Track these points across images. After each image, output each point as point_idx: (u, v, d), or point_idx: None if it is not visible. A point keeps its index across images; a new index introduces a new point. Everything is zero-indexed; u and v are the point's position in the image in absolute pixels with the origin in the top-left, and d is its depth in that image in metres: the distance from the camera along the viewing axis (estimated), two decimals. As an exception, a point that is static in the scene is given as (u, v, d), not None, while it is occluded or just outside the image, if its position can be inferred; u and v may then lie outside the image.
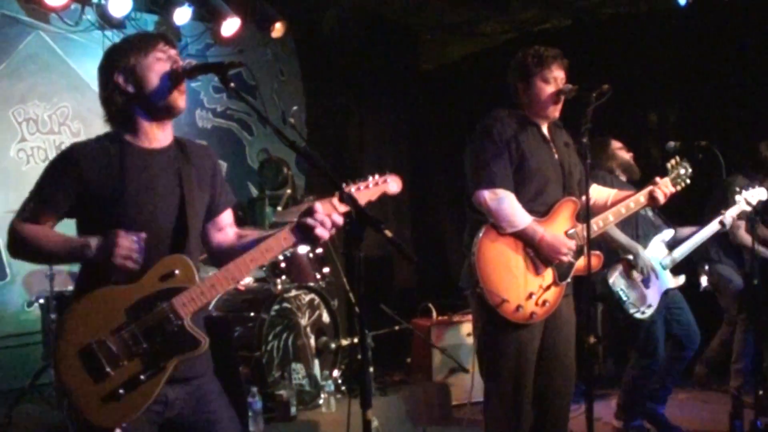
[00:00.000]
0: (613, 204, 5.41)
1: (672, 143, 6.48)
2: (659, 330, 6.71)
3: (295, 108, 9.20)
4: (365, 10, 10.51)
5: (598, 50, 9.61)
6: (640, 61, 9.46)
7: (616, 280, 6.54)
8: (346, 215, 3.49)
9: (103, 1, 8.26)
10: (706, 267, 7.76)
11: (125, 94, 3.56)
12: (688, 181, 5.64)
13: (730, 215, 6.67)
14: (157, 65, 3.55)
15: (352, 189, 3.59)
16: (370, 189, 3.68)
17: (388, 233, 3.20)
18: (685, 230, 6.90)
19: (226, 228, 3.88)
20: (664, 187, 5.40)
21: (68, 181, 3.48)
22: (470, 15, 10.56)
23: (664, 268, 6.69)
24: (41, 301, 7.41)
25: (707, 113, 8.99)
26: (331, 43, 10.45)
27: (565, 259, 5.07)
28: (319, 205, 3.52)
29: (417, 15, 10.77)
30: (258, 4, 9.41)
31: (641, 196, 5.39)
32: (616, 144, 7.02)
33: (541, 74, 5.14)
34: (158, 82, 3.53)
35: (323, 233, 3.52)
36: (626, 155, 6.98)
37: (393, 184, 3.77)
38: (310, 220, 3.52)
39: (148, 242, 3.43)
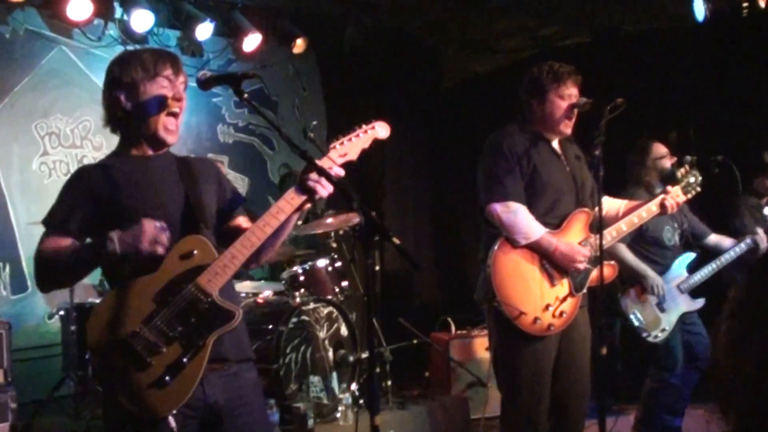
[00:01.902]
0: (625, 214, 5.44)
1: (688, 157, 6.48)
2: (678, 345, 6.70)
3: (314, 123, 9.22)
4: (387, 27, 10.55)
5: (617, 67, 9.61)
6: (660, 77, 9.45)
7: (628, 304, 6.54)
8: (356, 226, 3.54)
9: (125, 17, 8.35)
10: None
11: (124, 111, 3.64)
12: (699, 189, 5.68)
13: (763, 234, 6.65)
14: (160, 92, 3.62)
15: (344, 141, 3.75)
16: (360, 138, 3.84)
17: (396, 240, 3.24)
18: (727, 241, 6.87)
19: (242, 224, 3.89)
20: (675, 196, 5.43)
21: (83, 201, 3.58)
22: (492, 32, 10.59)
23: (681, 291, 6.68)
24: (62, 313, 7.48)
25: (727, 130, 8.97)
26: (352, 59, 10.48)
27: (581, 266, 5.10)
28: (316, 162, 3.57)
29: (439, 32, 10.80)
30: (280, 20, 9.47)
31: (653, 206, 5.42)
32: (658, 151, 6.91)
33: (557, 91, 5.18)
34: (156, 113, 3.61)
35: (326, 189, 3.58)
36: (668, 164, 6.87)
37: (381, 130, 3.90)
38: (311, 175, 3.57)
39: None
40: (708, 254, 6.89)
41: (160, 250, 3.41)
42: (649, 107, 9.00)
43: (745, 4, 8.38)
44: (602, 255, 4.91)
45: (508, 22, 10.23)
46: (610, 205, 5.53)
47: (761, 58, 8.78)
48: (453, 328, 8.49)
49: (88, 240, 3.58)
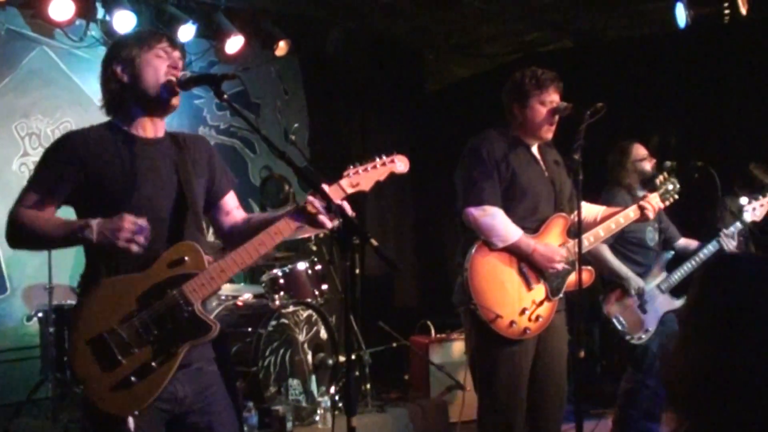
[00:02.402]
0: (603, 219, 5.46)
1: (668, 163, 6.49)
2: (656, 347, 6.70)
3: (296, 125, 9.24)
4: (370, 30, 10.55)
5: (599, 72, 9.65)
6: (642, 83, 9.49)
7: (610, 308, 6.55)
8: (334, 228, 3.52)
9: (107, 18, 8.31)
10: None
11: (120, 83, 3.63)
12: (677, 196, 5.73)
13: (728, 236, 6.66)
14: (156, 62, 3.62)
15: (360, 170, 3.70)
16: (377, 169, 3.77)
17: (374, 242, 3.23)
18: (693, 243, 6.90)
19: (232, 211, 3.95)
20: (653, 202, 5.46)
21: (67, 167, 3.54)
22: (475, 36, 10.61)
23: (662, 291, 6.69)
24: (40, 315, 7.44)
25: (708, 135, 9.00)
26: (335, 62, 10.48)
27: (559, 266, 5.13)
28: (325, 188, 3.55)
29: (422, 35, 10.81)
30: (262, 22, 9.46)
31: (631, 212, 5.45)
32: (638, 153, 6.88)
33: (539, 97, 5.20)
34: (153, 78, 3.59)
35: (326, 220, 3.54)
36: (648, 166, 6.85)
37: (400, 164, 3.83)
38: (316, 203, 3.54)
39: (151, 226, 3.47)
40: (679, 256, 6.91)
41: (135, 248, 3.39)
42: (630, 113, 9.02)
43: (726, 11, 8.41)
44: (580, 259, 4.92)
45: (492, 27, 10.25)
46: (588, 210, 5.53)
47: (742, 64, 8.82)
48: (433, 331, 8.50)
49: (68, 219, 3.55)
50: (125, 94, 3.64)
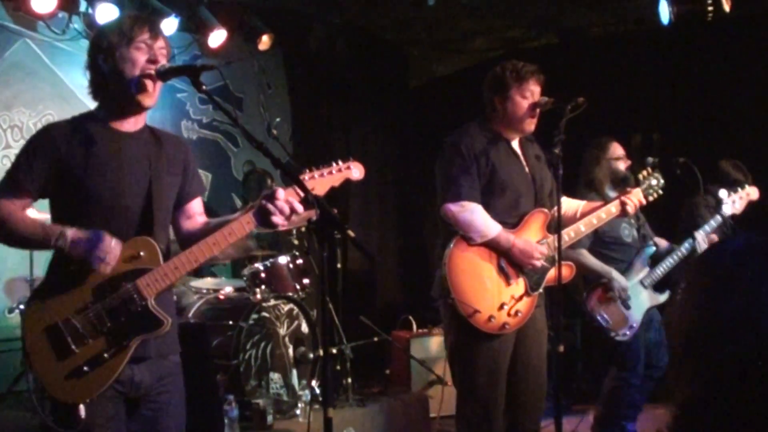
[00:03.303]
0: (583, 215, 5.45)
1: (651, 159, 6.50)
2: (640, 344, 6.72)
3: (278, 119, 9.23)
4: (354, 25, 10.56)
5: (583, 69, 9.68)
6: (625, 79, 9.52)
7: (594, 305, 6.56)
8: (311, 220, 3.53)
9: (90, 10, 8.26)
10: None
11: (102, 74, 3.67)
12: (660, 192, 5.72)
13: (702, 235, 6.67)
14: (134, 55, 3.63)
15: (315, 175, 3.70)
16: (333, 175, 3.77)
17: (350, 233, 3.24)
18: (663, 243, 6.91)
19: (195, 216, 3.98)
20: (634, 198, 5.44)
21: (45, 159, 3.58)
22: (458, 32, 10.62)
23: (645, 286, 6.70)
24: (21, 307, 7.40)
25: (691, 132, 9.04)
26: (318, 57, 10.48)
27: (538, 263, 5.13)
28: (281, 191, 3.58)
29: (405, 31, 10.82)
30: (245, 16, 9.45)
31: (612, 207, 5.43)
32: (615, 151, 6.87)
33: (519, 89, 5.19)
34: (131, 73, 3.61)
35: (281, 220, 3.57)
36: (622, 166, 6.87)
37: (356, 171, 3.83)
38: (270, 206, 3.57)
39: (115, 222, 3.57)
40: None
41: (105, 269, 3.48)
42: (614, 109, 9.06)
43: (710, 8, 8.43)
44: (560, 254, 4.93)
45: (475, 22, 10.26)
46: (569, 205, 5.54)
47: (726, 61, 8.86)
48: (414, 326, 8.52)
49: (45, 224, 3.61)
50: (108, 84, 3.68)
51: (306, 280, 7.60)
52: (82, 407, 3.44)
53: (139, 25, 3.67)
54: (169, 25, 8.62)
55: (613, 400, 6.81)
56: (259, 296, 7.16)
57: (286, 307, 7.21)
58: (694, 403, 1.69)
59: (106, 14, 8.06)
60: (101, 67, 3.65)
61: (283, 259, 7.51)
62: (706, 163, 7.01)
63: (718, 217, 6.61)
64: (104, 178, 3.59)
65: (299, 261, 7.64)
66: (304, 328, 7.29)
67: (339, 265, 8.05)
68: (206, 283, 7.84)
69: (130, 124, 3.74)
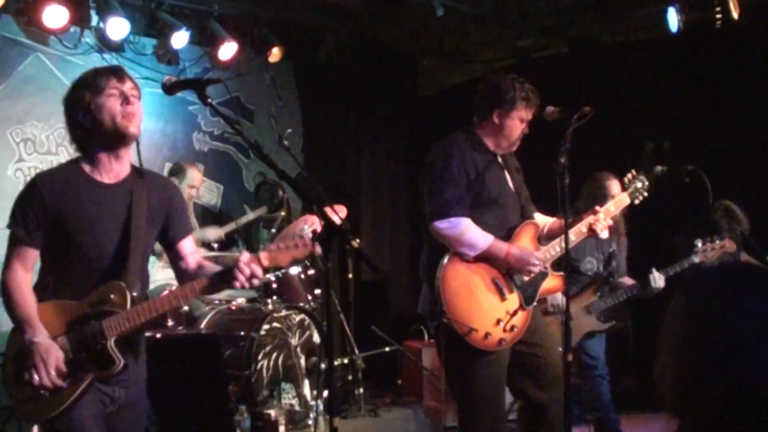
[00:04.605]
0: (551, 231, 5.39)
1: (659, 167, 6.50)
2: (590, 342, 6.85)
3: (289, 131, 9.26)
4: (364, 36, 10.58)
5: (593, 78, 9.68)
6: (635, 88, 9.52)
7: None
8: (315, 231, 3.64)
9: (101, 25, 8.32)
10: None
11: (83, 129, 3.88)
12: (646, 194, 5.71)
13: (657, 275, 6.70)
14: (109, 102, 3.83)
15: (280, 245, 3.86)
16: (298, 248, 3.84)
17: (355, 244, 3.27)
18: (628, 282, 6.96)
19: (187, 256, 4.19)
20: (602, 219, 5.34)
21: (34, 210, 3.83)
22: (468, 42, 10.63)
23: (590, 313, 6.79)
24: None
25: (701, 140, 9.03)
26: (329, 68, 10.51)
27: (536, 269, 5.09)
28: (245, 254, 3.82)
29: (416, 42, 10.83)
30: (256, 29, 9.48)
31: (582, 226, 5.34)
32: (611, 190, 6.80)
33: (525, 110, 5.14)
34: (109, 118, 3.81)
35: (243, 282, 3.79)
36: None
37: (318, 248, 3.78)
38: (234, 270, 3.79)
39: (94, 265, 3.85)
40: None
41: (40, 392, 3.71)
42: (624, 118, 9.07)
43: (718, 16, 8.43)
44: (567, 263, 4.94)
45: (485, 33, 10.26)
46: (539, 220, 5.46)
47: (735, 68, 8.85)
48: (426, 336, 8.52)
49: (26, 316, 3.80)
50: (90, 138, 3.90)
51: (317, 291, 7.63)
52: (35, 428, 3.85)
53: (105, 75, 3.89)
54: (180, 38, 8.67)
55: (600, 399, 6.88)
56: (270, 307, 7.19)
57: (298, 318, 7.24)
58: None
59: (118, 28, 8.15)
60: (81, 122, 3.85)
61: (294, 270, 7.55)
62: (715, 170, 6.99)
63: (685, 263, 6.61)
64: (86, 228, 3.85)
65: (311, 272, 7.67)
66: (316, 338, 7.31)
67: (350, 276, 8.08)
68: (218, 294, 7.86)
69: (113, 174, 3.95)
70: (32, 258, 3.89)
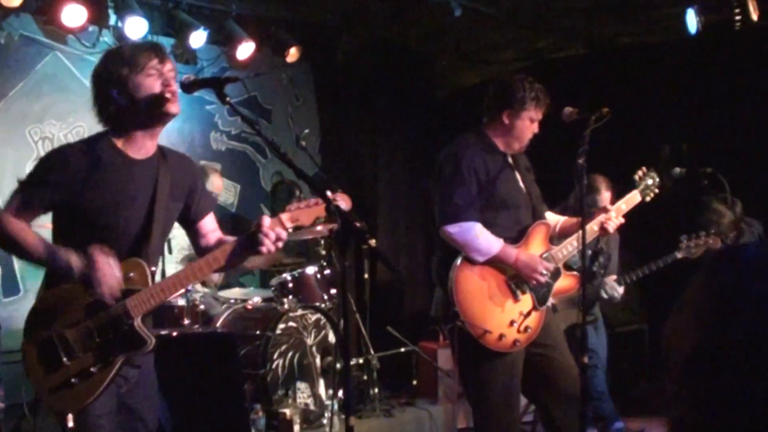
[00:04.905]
0: (563, 230, 5.42)
1: (677, 169, 6.50)
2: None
3: (306, 131, 9.25)
4: (381, 37, 10.57)
5: (611, 79, 9.65)
6: (653, 90, 9.48)
7: None
8: (332, 229, 3.66)
9: (119, 24, 8.35)
10: None
11: (118, 106, 3.77)
12: (657, 191, 5.65)
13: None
14: (148, 81, 3.75)
15: (301, 206, 3.83)
16: (320, 206, 3.81)
17: (372, 243, 3.27)
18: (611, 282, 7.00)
19: (208, 234, 4.15)
20: (614, 218, 5.37)
21: (55, 180, 3.72)
22: (486, 43, 10.61)
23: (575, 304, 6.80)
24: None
25: (719, 142, 8.99)
26: (346, 68, 10.51)
27: (542, 279, 5.08)
28: (266, 219, 3.74)
29: (433, 42, 10.82)
30: (273, 28, 9.49)
31: (594, 225, 5.35)
32: (597, 181, 7.02)
33: (535, 111, 5.18)
34: (148, 97, 3.72)
35: (269, 246, 3.72)
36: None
37: (342, 203, 3.85)
38: (258, 234, 3.71)
39: (112, 242, 3.72)
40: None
41: (109, 300, 3.65)
42: (642, 120, 9.04)
43: (737, 17, 8.39)
44: (585, 268, 4.93)
45: (503, 33, 10.25)
46: (550, 219, 5.50)
47: (754, 70, 8.81)
48: (441, 337, 8.51)
49: (52, 248, 3.73)
50: (124, 115, 3.81)
51: (333, 290, 7.63)
52: (70, 416, 3.62)
53: (146, 53, 3.79)
54: (198, 37, 8.68)
55: (596, 388, 7.00)
56: (286, 306, 7.20)
57: (314, 317, 7.24)
58: (688, 422, 1.65)
59: (136, 28, 8.15)
60: (117, 99, 3.76)
61: (310, 270, 7.56)
62: (733, 173, 6.97)
63: (668, 259, 6.59)
64: (109, 203, 3.76)
65: (327, 271, 7.68)
66: (332, 338, 7.31)
67: (366, 276, 8.08)
68: (234, 293, 7.89)
69: (144, 150, 3.88)
70: (32, 217, 3.79)
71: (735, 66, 8.98)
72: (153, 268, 3.83)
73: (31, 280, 8.21)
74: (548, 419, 5.31)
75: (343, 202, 3.89)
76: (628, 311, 8.40)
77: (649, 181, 5.64)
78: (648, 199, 5.63)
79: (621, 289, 6.83)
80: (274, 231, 3.69)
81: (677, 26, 8.81)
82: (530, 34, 10.27)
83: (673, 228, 7.06)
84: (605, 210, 5.42)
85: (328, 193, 3.72)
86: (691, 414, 1.64)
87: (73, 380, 3.62)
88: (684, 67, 9.41)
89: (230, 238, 4.01)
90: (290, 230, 3.78)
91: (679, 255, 6.49)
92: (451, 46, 10.76)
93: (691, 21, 8.52)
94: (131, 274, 3.73)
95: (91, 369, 3.65)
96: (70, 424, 3.60)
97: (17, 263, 8.14)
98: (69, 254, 3.63)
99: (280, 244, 3.74)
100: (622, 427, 7.24)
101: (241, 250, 3.80)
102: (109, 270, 3.60)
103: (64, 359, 3.63)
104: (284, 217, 3.75)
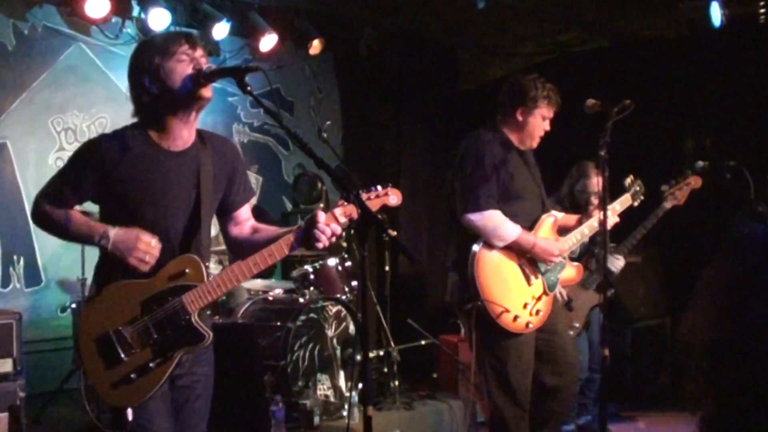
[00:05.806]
0: (561, 225, 5.76)
1: (701, 163, 6.47)
2: (581, 341, 7.07)
3: (329, 123, 9.25)
4: (404, 29, 10.56)
5: (634, 72, 9.60)
6: (677, 83, 9.43)
7: None
8: (352, 219, 3.65)
9: (142, 15, 8.38)
10: None
11: (151, 95, 3.73)
12: (642, 197, 6.03)
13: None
14: (180, 67, 3.71)
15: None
16: (371, 201, 3.81)
17: (392, 233, 3.27)
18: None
19: (243, 223, 4.13)
20: (610, 216, 5.51)
21: (92, 171, 3.72)
22: (509, 36, 10.59)
23: (586, 287, 6.77)
24: (74, 306, 7.57)
25: (743, 136, 8.94)
26: (369, 61, 10.50)
27: (557, 260, 5.44)
28: (321, 215, 3.72)
29: (457, 35, 10.80)
30: (296, 20, 9.50)
31: (594, 222, 5.67)
32: (592, 184, 7.06)
33: (546, 109, 5.48)
34: (181, 83, 3.68)
35: (325, 242, 3.72)
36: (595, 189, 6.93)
37: (393, 197, 3.91)
38: (313, 229, 3.71)
39: (163, 239, 3.70)
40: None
41: (144, 267, 3.66)
42: (666, 113, 9.00)
43: (762, 11, 8.35)
44: (605, 262, 5.05)
45: (526, 26, 10.22)
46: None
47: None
48: (462, 330, 8.49)
49: (89, 221, 3.77)
50: (157, 104, 3.76)
51: (354, 282, 7.64)
52: (129, 411, 3.64)
53: (176, 40, 3.78)
54: (221, 29, 8.71)
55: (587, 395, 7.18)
56: (307, 298, 7.21)
57: (334, 309, 7.25)
58: (724, 416, 1.62)
59: (159, 19, 8.19)
60: (149, 88, 3.72)
61: (332, 262, 7.58)
62: (757, 166, 6.92)
63: (659, 212, 6.50)
64: (151, 198, 3.74)
65: (348, 263, 7.69)
66: (352, 329, 7.31)
67: (387, 268, 8.08)
68: (255, 284, 7.90)
69: (181, 140, 3.83)
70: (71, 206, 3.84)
71: (759, 59, 8.92)
72: (207, 263, 3.84)
73: (52, 270, 8.26)
74: (545, 391, 5.54)
75: (395, 197, 3.88)
76: (650, 306, 8.35)
77: (637, 188, 6.00)
78: (637, 203, 5.99)
79: (621, 260, 6.82)
80: (329, 227, 3.71)
81: (701, 19, 8.76)
82: (553, 27, 10.23)
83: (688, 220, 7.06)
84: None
85: (379, 187, 3.82)
86: (720, 410, 1.62)
87: (132, 376, 3.65)
88: (708, 61, 9.34)
89: (267, 227, 4.02)
90: (344, 225, 3.78)
91: (668, 205, 6.43)
92: (474, 38, 10.74)
93: (716, 14, 8.47)
94: (187, 270, 3.73)
95: (150, 364, 3.68)
96: (130, 417, 3.64)
97: (39, 254, 8.18)
98: (107, 226, 3.67)
99: (335, 240, 3.76)
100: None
101: (298, 245, 3.80)
102: (142, 244, 3.62)
103: (122, 355, 3.65)
104: (338, 212, 3.75)
